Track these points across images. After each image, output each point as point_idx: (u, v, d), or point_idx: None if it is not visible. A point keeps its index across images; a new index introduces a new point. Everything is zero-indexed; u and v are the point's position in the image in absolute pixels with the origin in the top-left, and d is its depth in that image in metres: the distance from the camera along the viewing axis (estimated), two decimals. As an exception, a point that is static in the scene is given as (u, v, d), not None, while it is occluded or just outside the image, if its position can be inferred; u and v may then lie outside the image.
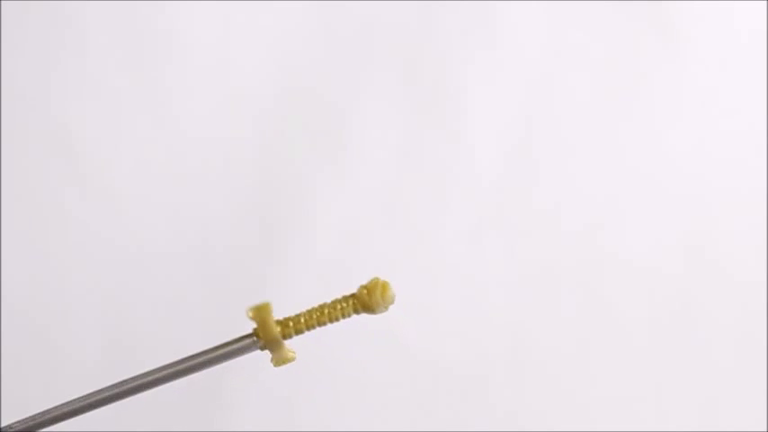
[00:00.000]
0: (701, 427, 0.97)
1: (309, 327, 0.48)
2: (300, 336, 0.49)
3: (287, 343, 0.48)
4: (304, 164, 0.99)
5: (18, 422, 0.47)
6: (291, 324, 0.48)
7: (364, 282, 0.49)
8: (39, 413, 0.47)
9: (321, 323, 0.48)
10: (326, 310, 0.48)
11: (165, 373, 0.48)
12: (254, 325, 0.48)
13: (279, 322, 0.48)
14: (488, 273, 0.99)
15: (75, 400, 0.47)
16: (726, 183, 1.00)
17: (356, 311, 0.48)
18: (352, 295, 0.48)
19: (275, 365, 0.49)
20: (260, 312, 0.48)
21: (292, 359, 0.48)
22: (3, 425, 0.47)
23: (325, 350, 0.98)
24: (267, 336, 0.47)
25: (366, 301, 0.48)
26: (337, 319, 0.48)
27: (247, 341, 0.48)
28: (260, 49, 1.00)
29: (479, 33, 1.00)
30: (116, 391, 0.48)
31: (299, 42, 1.00)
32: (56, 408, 0.47)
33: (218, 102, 0.99)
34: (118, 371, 0.55)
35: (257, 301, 0.47)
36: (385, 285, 0.48)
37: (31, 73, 0.98)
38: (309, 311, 0.48)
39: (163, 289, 0.98)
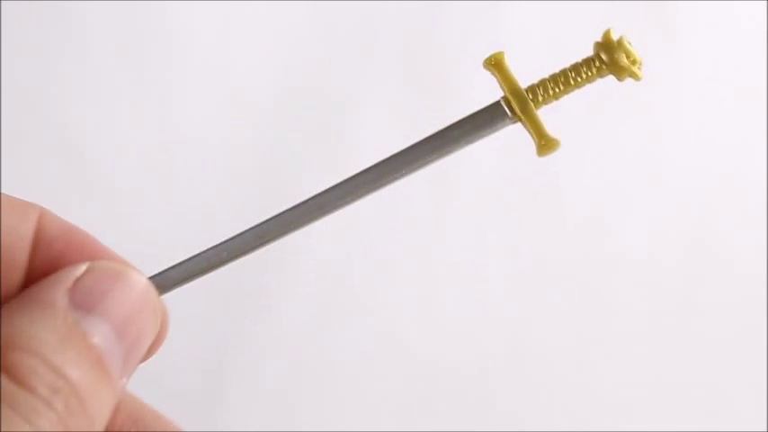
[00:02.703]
0: (702, 423, 0.97)
1: (556, 90, 0.45)
2: (548, 105, 0.45)
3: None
4: (304, 163, 0.99)
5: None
6: (537, 89, 0.45)
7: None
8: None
9: (567, 86, 0.45)
10: (570, 73, 0.45)
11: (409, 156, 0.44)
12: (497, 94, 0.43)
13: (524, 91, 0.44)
14: (488, 272, 0.99)
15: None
16: (726, 177, 1.01)
17: (599, 71, 0.44)
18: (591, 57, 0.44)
19: (540, 153, 0.45)
20: (495, 58, 0.45)
21: (557, 143, 0.45)
22: None
23: (326, 350, 0.98)
24: (509, 85, 0.44)
25: (606, 52, 0.43)
26: (582, 82, 0.45)
27: (495, 107, 0.45)
28: (260, 49, 1.00)
29: (480, 33, 1.00)
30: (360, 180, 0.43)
31: (299, 42, 1.00)
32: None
33: (218, 101, 1.00)
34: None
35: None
36: (620, 37, 0.44)
37: (31, 73, 0.98)
38: (552, 76, 0.45)
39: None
